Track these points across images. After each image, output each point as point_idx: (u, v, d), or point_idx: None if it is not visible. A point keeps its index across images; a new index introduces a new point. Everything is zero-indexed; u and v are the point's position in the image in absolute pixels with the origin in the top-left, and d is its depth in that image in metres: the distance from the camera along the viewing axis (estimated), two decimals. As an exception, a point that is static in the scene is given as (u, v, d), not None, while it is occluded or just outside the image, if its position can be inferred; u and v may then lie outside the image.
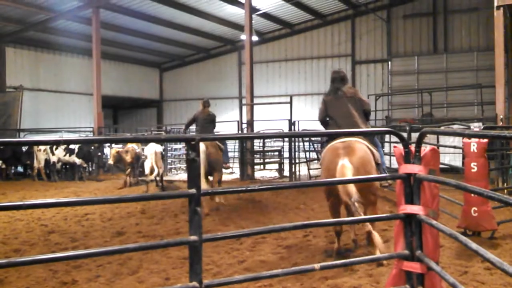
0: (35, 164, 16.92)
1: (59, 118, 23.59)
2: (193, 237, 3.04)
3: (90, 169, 18.60)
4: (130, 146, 14.76)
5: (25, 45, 23.01)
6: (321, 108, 6.76)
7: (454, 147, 11.00)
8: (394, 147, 3.82)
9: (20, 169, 18.76)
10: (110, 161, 15.36)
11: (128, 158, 14.67)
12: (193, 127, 11.90)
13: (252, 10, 18.52)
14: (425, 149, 3.54)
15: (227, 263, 6.20)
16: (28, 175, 17.84)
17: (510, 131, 10.30)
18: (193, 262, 3.06)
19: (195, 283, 3.02)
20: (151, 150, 13.11)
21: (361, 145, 5.98)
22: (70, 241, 7.56)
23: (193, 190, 3.05)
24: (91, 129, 20.15)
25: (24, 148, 17.46)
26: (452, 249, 6.40)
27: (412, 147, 3.61)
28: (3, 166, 17.56)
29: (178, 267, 6.07)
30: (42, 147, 16.68)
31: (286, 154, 17.70)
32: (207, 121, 11.10)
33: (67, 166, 17.69)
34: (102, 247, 7.06)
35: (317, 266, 3.35)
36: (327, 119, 6.68)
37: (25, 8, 19.34)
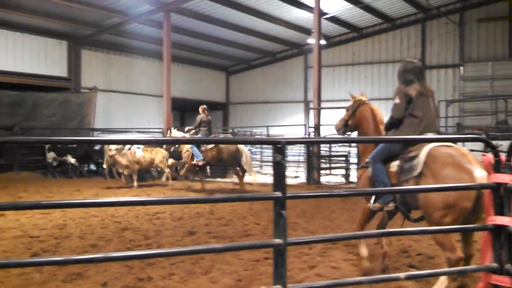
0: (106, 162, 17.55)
1: (129, 118, 24.34)
2: (278, 240, 3.04)
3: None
4: (131, 149, 15.15)
5: (99, 47, 23.93)
6: (400, 104, 5.51)
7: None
8: (483, 155, 3.67)
9: (92, 167, 19.47)
10: (104, 165, 15.71)
11: (123, 161, 14.91)
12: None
13: (320, 13, 18.40)
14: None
15: (297, 267, 6.15)
16: (100, 173, 18.49)
17: None
18: (277, 265, 3.06)
19: (279, 287, 3.01)
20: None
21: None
22: (143, 238, 7.75)
23: (278, 193, 3.04)
24: (160, 130, 20.64)
25: (97, 147, 18.16)
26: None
27: (502, 156, 3.46)
28: (76, 164, 18.31)
29: (249, 269, 6.09)
30: (112, 146, 17.24)
31: (351, 160, 17.50)
32: (210, 124, 14.26)
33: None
34: (175, 246, 7.22)
35: (402, 275, 3.26)
36: (403, 117, 5.51)
37: (100, 12, 20.11)
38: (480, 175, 4.30)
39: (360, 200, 6.36)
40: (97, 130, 21.33)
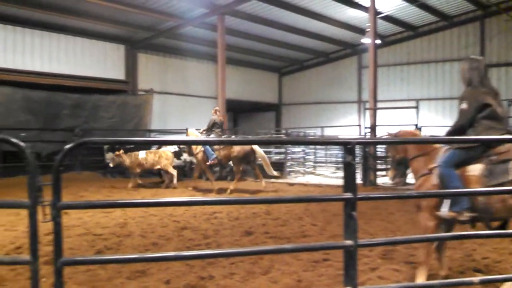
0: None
1: (184, 120, 24.65)
2: (349, 242, 3.00)
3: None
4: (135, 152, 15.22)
5: (155, 51, 24.44)
6: (468, 110, 5.10)
7: None
8: None
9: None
10: (110, 164, 15.84)
11: (126, 162, 15.00)
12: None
13: (376, 13, 18.11)
14: None
15: (359, 269, 6.04)
16: (154, 173, 18.78)
17: None
18: (348, 267, 3.03)
19: (350, 288, 2.97)
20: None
21: None
22: (202, 237, 7.83)
23: (349, 194, 3.01)
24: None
25: (153, 148, 18.51)
26: None
27: None
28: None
29: (309, 270, 6.05)
30: (170, 147, 17.57)
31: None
32: (223, 125, 14.91)
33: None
34: (234, 246, 7.26)
35: (475, 279, 3.15)
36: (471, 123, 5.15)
37: (156, 16, 20.54)
38: None
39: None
40: (153, 131, 21.78)
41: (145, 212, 10.17)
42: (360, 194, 3.20)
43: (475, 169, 4.99)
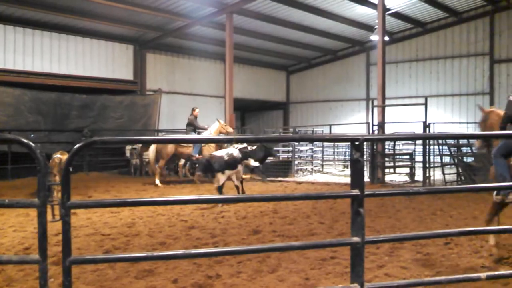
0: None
1: (193, 119, 24.77)
2: (356, 239, 3.02)
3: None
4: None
5: (163, 50, 24.52)
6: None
7: None
8: None
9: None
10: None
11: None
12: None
13: (384, 9, 18.06)
14: None
15: (366, 267, 6.05)
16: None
17: None
18: (354, 263, 3.05)
19: (356, 285, 2.99)
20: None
21: None
22: (210, 236, 7.87)
23: (356, 191, 3.03)
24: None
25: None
26: None
27: None
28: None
29: (316, 268, 6.08)
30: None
31: (417, 158, 17.08)
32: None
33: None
34: (242, 245, 7.29)
35: (483, 275, 3.16)
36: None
37: (164, 16, 20.61)
38: None
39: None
40: (161, 131, 21.85)
41: (153, 211, 10.23)
42: (368, 191, 3.22)
43: None
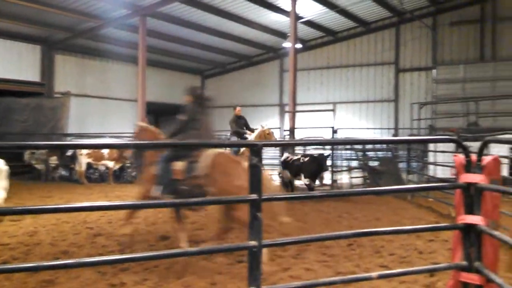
0: (77, 167, 17.58)
1: (104, 123, 24.08)
2: (253, 242, 3.04)
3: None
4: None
5: (73, 52, 23.64)
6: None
7: (504, 157, 10.63)
8: (455, 155, 3.73)
9: (64, 172, 19.17)
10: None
11: None
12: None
13: (296, 17, 18.49)
14: (486, 158, 3.44)
15: (272, 270, 6.17)
16: (70, 179, 18.35)
17: None
18: (252, 267, 3.07)
19: (252, 289, 3.01)
20: None
21: None
22: (116, 244, 7.67)
23: (254, 196, 3.05)
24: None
25: (69, 152, 18.07)
26: (503, 262, 6.20)
27: (473, 156, 3.52)
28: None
29: (223, 273, 6.09)
30: (84, 151, 17.31)
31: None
32: None
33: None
34: (149, 251, 7.15)
35: (374, 275, 3.29)
36: None
37: (75, 16, 19.86)
38: None
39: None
40: (70, 135, 21.04)
41: (58, 219, 9.80)
42: (265, 196, 3.26)
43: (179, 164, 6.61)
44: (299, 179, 11.06)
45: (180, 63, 28.81)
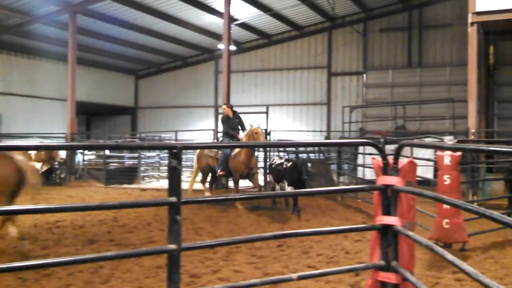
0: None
1: (32, 123, 23.19)
2: (172, 246, 3.00)
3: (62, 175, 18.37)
4: None
5: (-2, 48, 22.66)
6: None
7: (428, 159, 11.07)
8: (373, 158, 3.85)
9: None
10: None
11: None
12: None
13: (231, 19, 18.53)
14: (403, 161, 3.57)
15: (200, 272, 6.14)
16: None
17: (482, 145, 10.48)
18: (171, 270, 3.03)
19: (171, 293, 2.98)
20: None
21: None
22: (40, 248, 7.40)
23: (173, 198, 3.02)
24: (64, 135, 19.78)
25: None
26: (424, 260, 6.48)
27: (390, 159, 3.65)
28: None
29: (151, 276, 6.00)
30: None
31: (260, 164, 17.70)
32: None
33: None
34: (74, 255, 6.94)
35: (294, 276, 3.34)
36: None
37: (1, 11, 19.03)
38: None
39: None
40: (-7, 135, 20.12)
41: (-21, 223, 9.32)
42: (184, 198, 3.22)
43: None
44: (282, 185, 10.72)
45: (113, 62, 28.19)
